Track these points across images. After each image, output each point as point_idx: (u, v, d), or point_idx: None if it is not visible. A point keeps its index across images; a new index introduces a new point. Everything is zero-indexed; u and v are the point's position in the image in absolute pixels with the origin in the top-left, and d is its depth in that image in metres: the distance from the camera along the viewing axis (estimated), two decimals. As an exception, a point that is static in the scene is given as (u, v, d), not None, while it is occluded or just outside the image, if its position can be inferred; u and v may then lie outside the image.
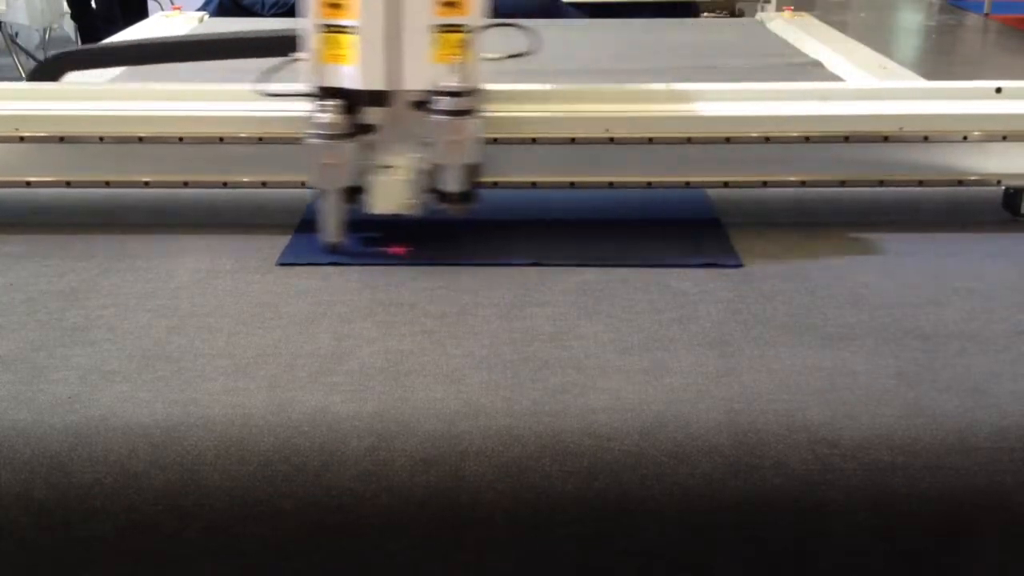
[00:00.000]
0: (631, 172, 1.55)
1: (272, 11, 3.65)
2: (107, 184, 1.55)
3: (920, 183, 1.57)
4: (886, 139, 1.54)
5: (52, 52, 1.72)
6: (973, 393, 1.08)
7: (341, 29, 1.36)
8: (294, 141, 1.47)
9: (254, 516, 0.98)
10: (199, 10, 3.45)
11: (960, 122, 1.55)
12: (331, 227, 1.43)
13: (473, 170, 1.42)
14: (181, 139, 1.52)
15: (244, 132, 1.53)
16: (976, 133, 1.54)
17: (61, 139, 1.52)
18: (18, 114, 1.53)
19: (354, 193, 1.43)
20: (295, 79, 1.43)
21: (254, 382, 1.10)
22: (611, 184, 1.55)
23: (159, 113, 1.54)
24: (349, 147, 1.39)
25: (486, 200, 1.47)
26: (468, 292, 1.33)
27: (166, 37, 1.89)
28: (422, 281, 1.36)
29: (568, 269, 1.40)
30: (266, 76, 1.44)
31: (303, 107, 1.42)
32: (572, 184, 1.55)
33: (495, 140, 1.48)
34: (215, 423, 1.03)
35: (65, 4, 5.45)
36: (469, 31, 1.36)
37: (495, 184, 1.51)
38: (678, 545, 1.00)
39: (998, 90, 1.60)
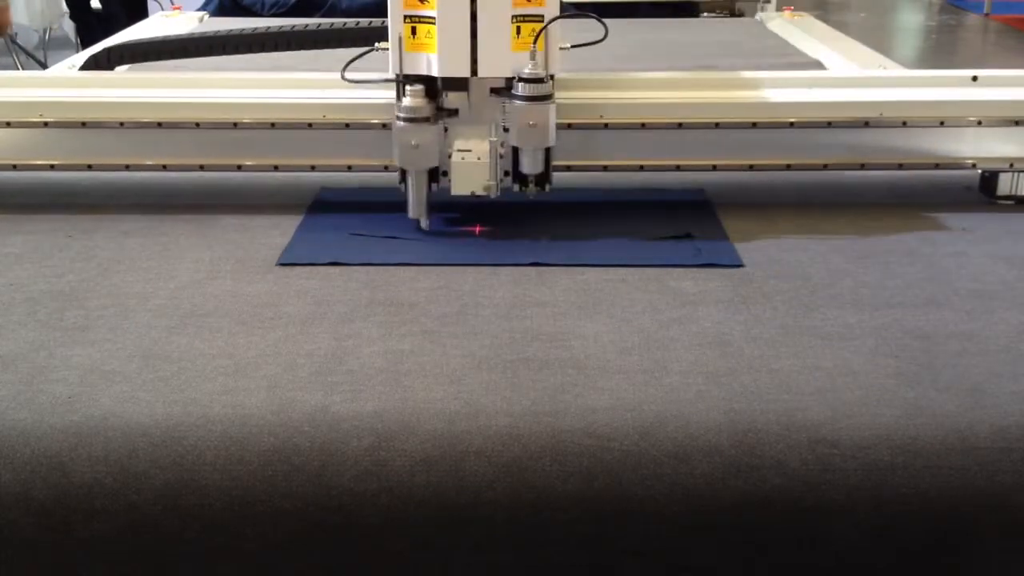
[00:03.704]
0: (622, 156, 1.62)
1: (272, 11, 3.65)
2: (127, 167, 1.64)
3: (900, 166, 1.63)
4: (867, 124, 1.60)
5: (108, 44, 1.77)
6: (973, 393, 1.08)
7: (424, 19, 1.43)
8: (304, 127, 1.58)
9: (254, 516, 0.98)
10: (199, 10, 3.45)
11: (937, 108, 1.61)
12: (416, 206, 1.52)
13: (547, 154, 1.50)
14: (197, 124, 1.60)
15: (257, 118, 1.60)
16: (952, 119, 1.61)
17: (83, 124, 1.61)
18: (42, 101, 1.63)
19: (436, 175, 1.52)
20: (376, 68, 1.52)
21: (254, 382, 1.10)
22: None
23: (176, 100, 1.63)
24: (432, 130, 1.47)
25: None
26: (468, 292, 1.33)
27: (229, 31, 1.87)
28: (422, 281, 1.36)
29: (568, 269, 1.40)
30: (350, 64, 1.52)
31: (385, 93, 1.52)
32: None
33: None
34: (215, 423, 1.03)
35: (64, 4, 5.45)
36: (545, 21, 1.43)
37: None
38: (678, 545, 1.00)
39: (974, 78, 1.66)
